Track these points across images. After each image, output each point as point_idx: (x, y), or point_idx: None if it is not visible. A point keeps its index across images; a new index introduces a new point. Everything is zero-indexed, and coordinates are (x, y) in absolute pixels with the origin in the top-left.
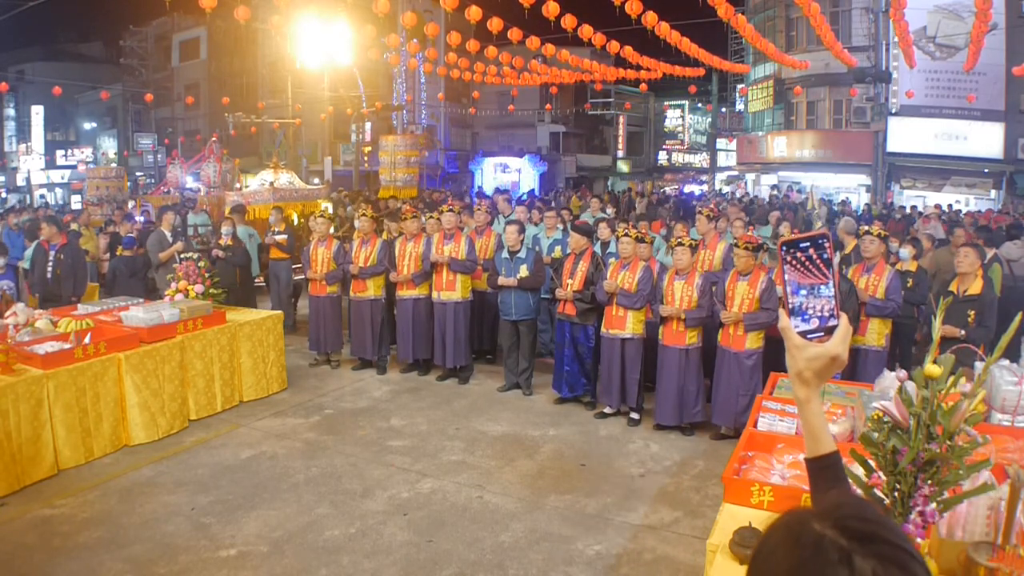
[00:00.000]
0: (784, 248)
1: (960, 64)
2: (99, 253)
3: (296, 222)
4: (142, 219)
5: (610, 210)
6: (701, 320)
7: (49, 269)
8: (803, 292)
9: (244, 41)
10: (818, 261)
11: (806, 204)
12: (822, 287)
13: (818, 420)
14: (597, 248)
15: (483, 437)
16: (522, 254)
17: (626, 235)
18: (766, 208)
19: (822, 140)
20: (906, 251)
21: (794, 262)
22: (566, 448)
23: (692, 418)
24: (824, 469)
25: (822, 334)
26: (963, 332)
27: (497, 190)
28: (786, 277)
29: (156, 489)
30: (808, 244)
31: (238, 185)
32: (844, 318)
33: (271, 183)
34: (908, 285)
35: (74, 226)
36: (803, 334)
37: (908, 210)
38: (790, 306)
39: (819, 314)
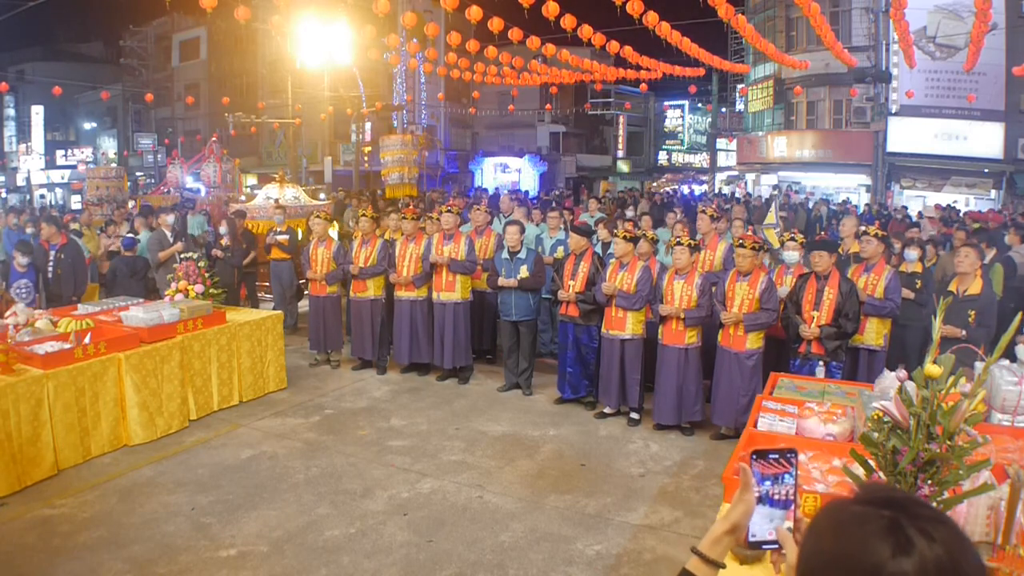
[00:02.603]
0: (754, 457)
1: (960, 64)
2: (100, 253)
3: (300, 235)
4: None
5: (630, 212)
6: (700, 320)
7: (50, 269)
8: (768, 482)
9: (244, 41)
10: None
11: (765, 213)
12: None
13: None
14: (598, 249)
15: (483, 437)
16: (522, 255)
17: (615, 235)
18: (764, 208)
19: (822, 140)
20: (913, 253)
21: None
22: (566, 448)
23: (691, 417)
24: None
25: (776, 546)
26: (964, 332)
27: (499, 189)
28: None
29: (156, 489)
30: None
31: (243, 198)
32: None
33: (276, 200)
34: (916, 287)
35: (75, 226)
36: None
37: (903, 214)
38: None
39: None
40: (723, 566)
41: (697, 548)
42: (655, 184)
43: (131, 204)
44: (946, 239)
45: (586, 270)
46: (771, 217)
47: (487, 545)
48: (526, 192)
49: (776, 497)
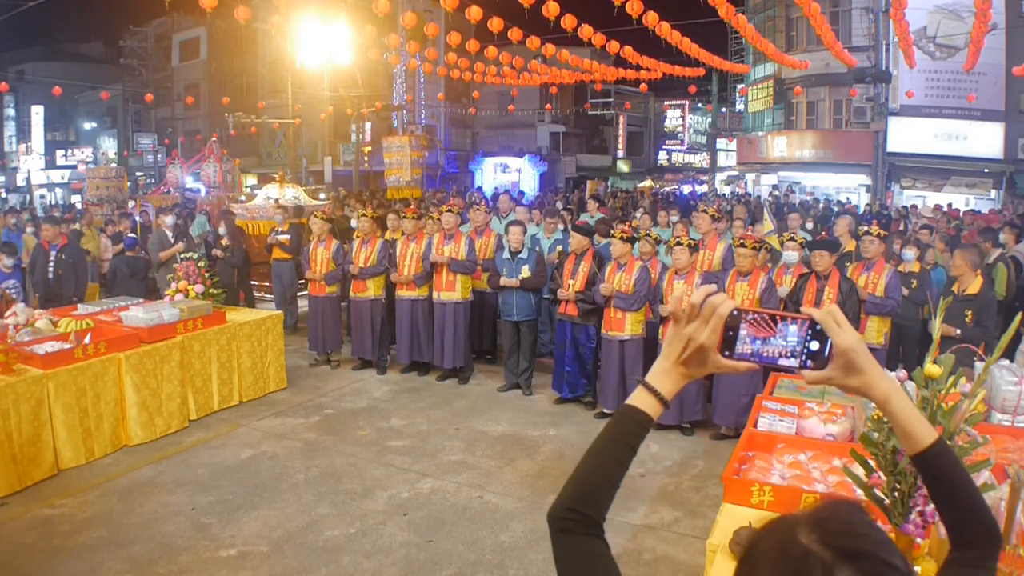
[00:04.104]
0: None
1: (960, 64)
2: (100, 253)
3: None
4: (140, 220)
5: (639, 214)
6: None
7: (50, 269)
8: (758, 342)
9: (244, 41)
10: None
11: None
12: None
13: (908, 412)
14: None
15: (483, 437)
16: (524, 254)
17: (611, 236)
18: (762, 208)
19: (822, 140)
20: (910, 252)
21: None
22: (566, 448)
23: (692, 417)
24: (929, 464)
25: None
26: (958, 332)
27: (496, 190)
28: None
29: (156, 489)
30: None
31: (243, 199)
32: (812, 311)
33: (276, 200)
34: (912, 286)
35: (76, 226)
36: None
37: (902, 214)
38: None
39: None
40: (667, 404)
41: (644, 379)
42: (640, 185)
43: (131, 204)
44: (955, 240)
45: (586, 270)
46: (768, 225)
47: (487, 545)
48: (531, 193)
49: (765, 354)
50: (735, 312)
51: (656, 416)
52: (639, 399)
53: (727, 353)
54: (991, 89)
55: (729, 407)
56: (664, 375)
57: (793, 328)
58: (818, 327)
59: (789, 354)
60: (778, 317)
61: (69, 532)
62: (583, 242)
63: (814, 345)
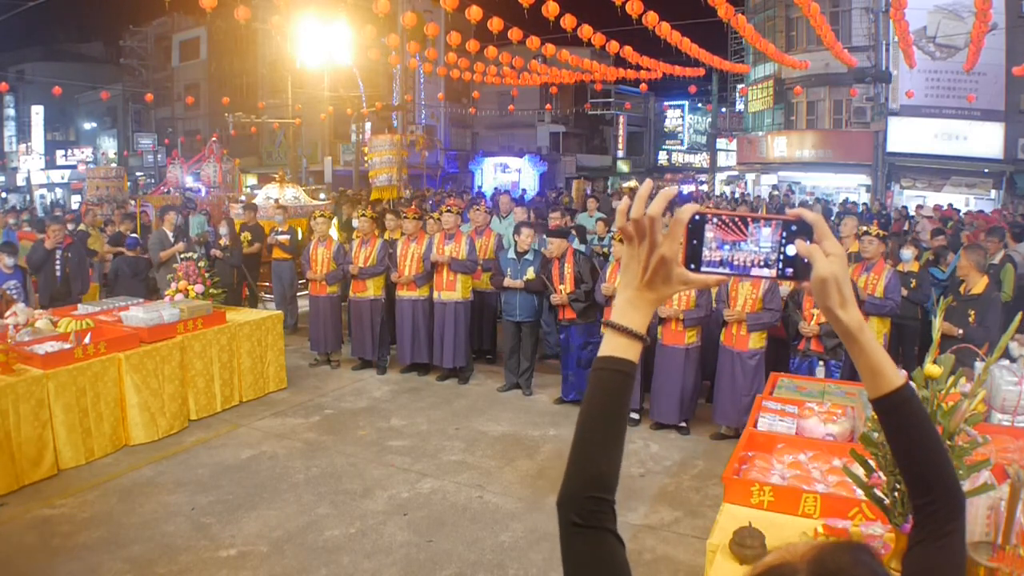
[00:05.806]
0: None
1: (960, 64)
2: (104, 253)
3: (300, 235)
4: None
5: None
6: (699, 320)
7: (57, 268)
8: (727, 247)
9: (244, 41)
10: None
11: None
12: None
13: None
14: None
15: (483, 437)
16: (529, 256)
17: (620, 240)
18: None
19: (822, 140)
20: (909, 252)
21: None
22: (566, 448)
23: (688, 415)
24: (892, 410)
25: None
26: (961, 331)
27: (496, 191)
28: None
29: (156, 489)
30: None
31: (243, 199)
32: (804, 211)
33: (276, 200)
34: (912, 286)
35: (82, 226)
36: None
37: (902, 214)
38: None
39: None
40: (645, 340)
41: (609, 320)
42: (625, 186)
43: (131, 204)
44: (954, 240)
45: (571, 271)
46: None
47: (487, 545)
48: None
49: (736, 262)
50: (696, 217)
51: (636, 358)
52: (612, 346)
53: (693, 266)
54: (991, 89)
55: (731, 407)
56: (629, 307)
57: (767, 231)
58: (793, 228)
59: (763, 262)
60: (749, 219)
61: (69, 532)
62: (563, 245)
63: (791, 250)
